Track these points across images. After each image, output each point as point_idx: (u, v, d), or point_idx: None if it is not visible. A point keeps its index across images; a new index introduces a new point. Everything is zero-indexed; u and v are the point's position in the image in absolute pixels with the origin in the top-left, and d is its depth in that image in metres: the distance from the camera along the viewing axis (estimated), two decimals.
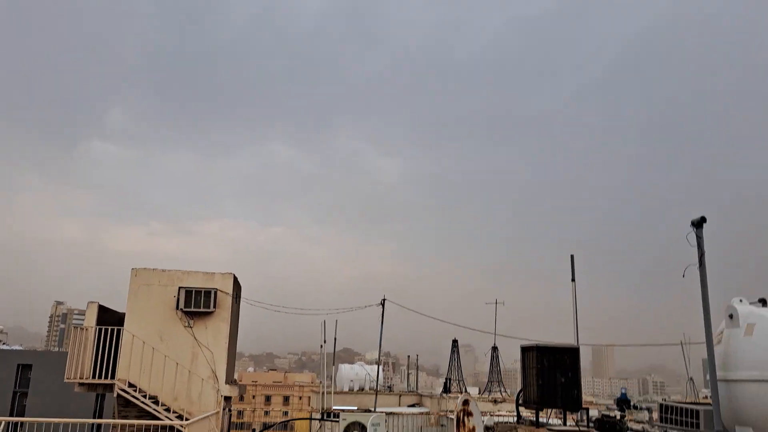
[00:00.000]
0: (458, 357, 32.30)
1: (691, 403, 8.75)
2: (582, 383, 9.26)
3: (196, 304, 14.78)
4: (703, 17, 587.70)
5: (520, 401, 8.71)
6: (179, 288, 14.84)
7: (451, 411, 27.71)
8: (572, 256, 9.33)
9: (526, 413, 9.08)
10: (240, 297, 16.80)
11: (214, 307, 14.87)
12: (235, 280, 15.88)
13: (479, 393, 34.02)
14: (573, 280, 9.22)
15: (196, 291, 14.81)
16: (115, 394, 13.77)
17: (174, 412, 13.81)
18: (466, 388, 32.79)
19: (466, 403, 12.80)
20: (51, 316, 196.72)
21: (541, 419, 8.46)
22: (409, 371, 38.83)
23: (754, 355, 7.58)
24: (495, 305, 32.67)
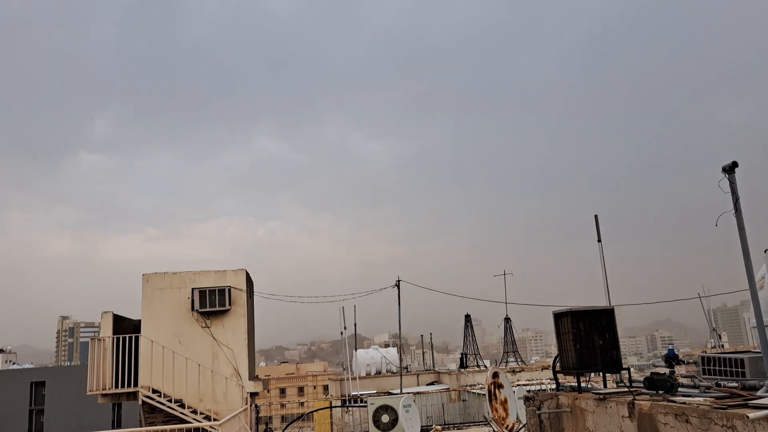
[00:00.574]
0: (472, 331, 32.30)
1: (732, 353, 8.65)
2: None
3: (211, 303, 14.57)
4: None
5: (557, 368, 8.55)
6: (192, 289, 14.62)
7: (471, 385, 27.76)
8: (596, 216, 9.17)
9: (563, 379, 8.94)
10: (253, 292, 16.61)
11: (229, 304, 14.67)
12: (248, 275, 15.66)
13: (497, 365, 34.08)
14: (599, 240, 9.06)
15: (209, 290, 14.60)
16: (140, 402, 13.61)
17: (201, 413, 13.67)
18: (483, 362, 32.86)
19: (495, 375, 12.68)
20: (58, 332, 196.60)
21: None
22: (424, 350, 38.86)
23: None
24: (504, 276, 32.64)
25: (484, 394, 24.55)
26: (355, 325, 22.18)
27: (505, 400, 12.26)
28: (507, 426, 11.82)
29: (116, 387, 13.83)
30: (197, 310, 14.49)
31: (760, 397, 5.73)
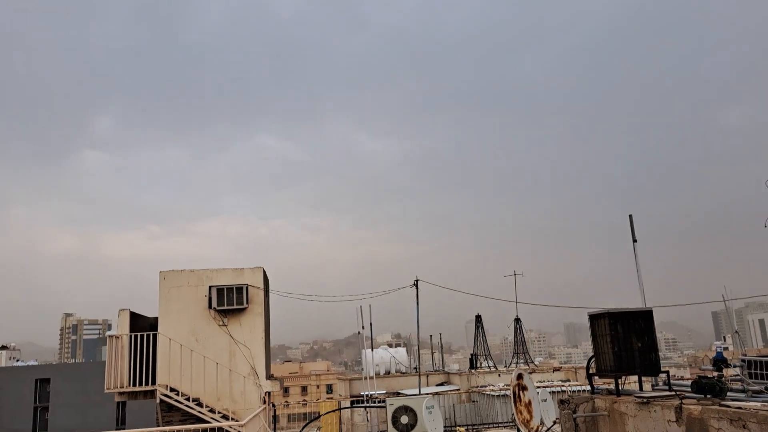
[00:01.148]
0: (483, 332, 32.08)
1: None
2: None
3: (228, 301, 14.41)
4: None
5: (592, 370, 8.37)
6: (210, 287, 14.46)
7: (482, 386, 27.56)
8: (630, 216, 8.96)
9: (598, 382, 8.74)
10: (269, 290, 16.45)
11: (247, 303, 14.50)
12: (264, 273, 15.51)
13: (505, 366, 33.90)
14: (634, 240, 8.86)
15: (227, 288, 14.44)
16: (157, 400, 13.45)
17: (218, 412, 13.52)
18: (494, 363, 32.65)
19: (520, 377, 12.51)
20: (62, 329, 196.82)
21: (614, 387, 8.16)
22: (433, 351, 38.68)
23: None
24: (514, 277, 32.41)
25: (497, 395, 24.35)
26: (371, 324, 22.02)
27: (530, 402, 12.08)
28: (532, 428, 11.64)
29: (133, 385, 13.66)
30: (215, 308, 14.33)
31: None
